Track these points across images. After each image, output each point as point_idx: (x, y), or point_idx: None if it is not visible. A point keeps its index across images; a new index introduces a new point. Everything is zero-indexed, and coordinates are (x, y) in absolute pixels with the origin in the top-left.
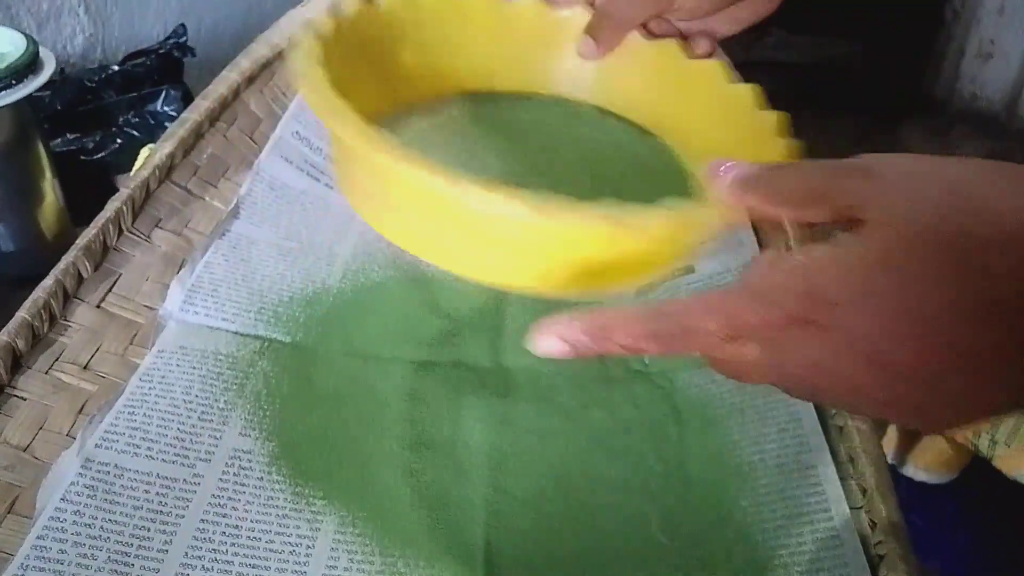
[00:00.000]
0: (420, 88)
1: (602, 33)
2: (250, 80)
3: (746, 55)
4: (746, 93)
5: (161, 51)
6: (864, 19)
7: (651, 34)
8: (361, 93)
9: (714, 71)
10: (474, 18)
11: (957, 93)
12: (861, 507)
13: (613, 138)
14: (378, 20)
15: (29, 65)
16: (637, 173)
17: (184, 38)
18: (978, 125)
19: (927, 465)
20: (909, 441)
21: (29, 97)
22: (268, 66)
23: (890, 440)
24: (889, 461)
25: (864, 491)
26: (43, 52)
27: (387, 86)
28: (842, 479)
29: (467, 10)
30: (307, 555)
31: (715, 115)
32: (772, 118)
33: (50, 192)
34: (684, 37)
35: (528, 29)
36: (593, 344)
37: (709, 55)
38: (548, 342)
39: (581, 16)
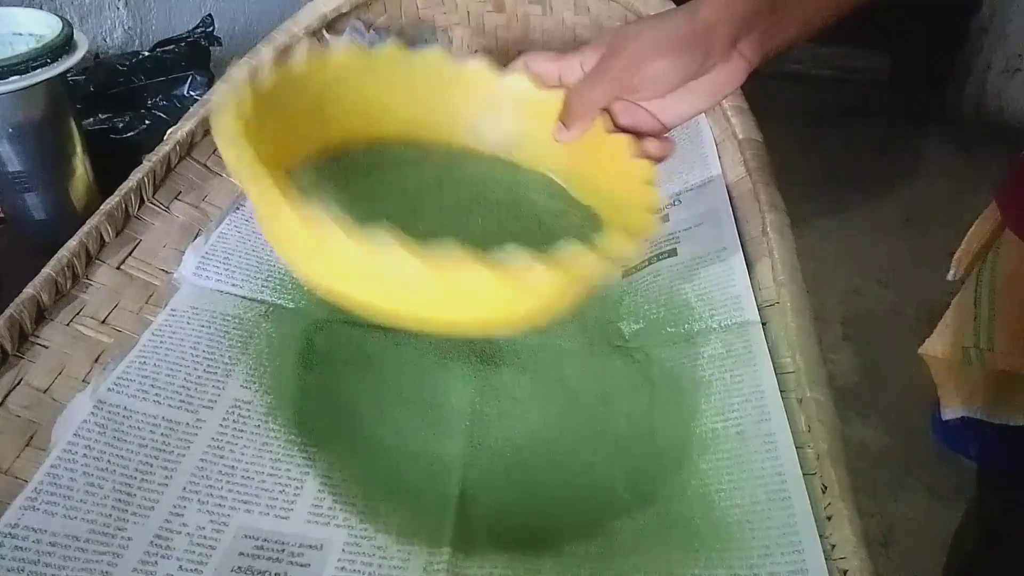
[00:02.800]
0: (334, 138)
1: (571, 119)
2: None
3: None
4: (623, 143)
5: (190, 39)
6: (890, 31)
7: (616, 126)
8: (275, 145)
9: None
10: (379, 72)
11: (982, 107)
12: (815, 472)
13: (520, 189)
14: (292, 81)
15: (63, 45)
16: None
17: (212, 28)
18: (1003, 139)
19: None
20: (1001, 390)
21: (63, 77)
22: (286, 54)
23: (964, 391)
24: (978, 416)
25: (817, 457)
26: (77, 35)
27: (297, 138)
28: (798, 447)
29: (373, 66)
30: (295, 495)
31: (604, 163)
32: (645, 166)
33: (80, 167)
34: (641, 133)
35: (435, 83)
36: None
37: (663, 157)
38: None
39: (478, 70)
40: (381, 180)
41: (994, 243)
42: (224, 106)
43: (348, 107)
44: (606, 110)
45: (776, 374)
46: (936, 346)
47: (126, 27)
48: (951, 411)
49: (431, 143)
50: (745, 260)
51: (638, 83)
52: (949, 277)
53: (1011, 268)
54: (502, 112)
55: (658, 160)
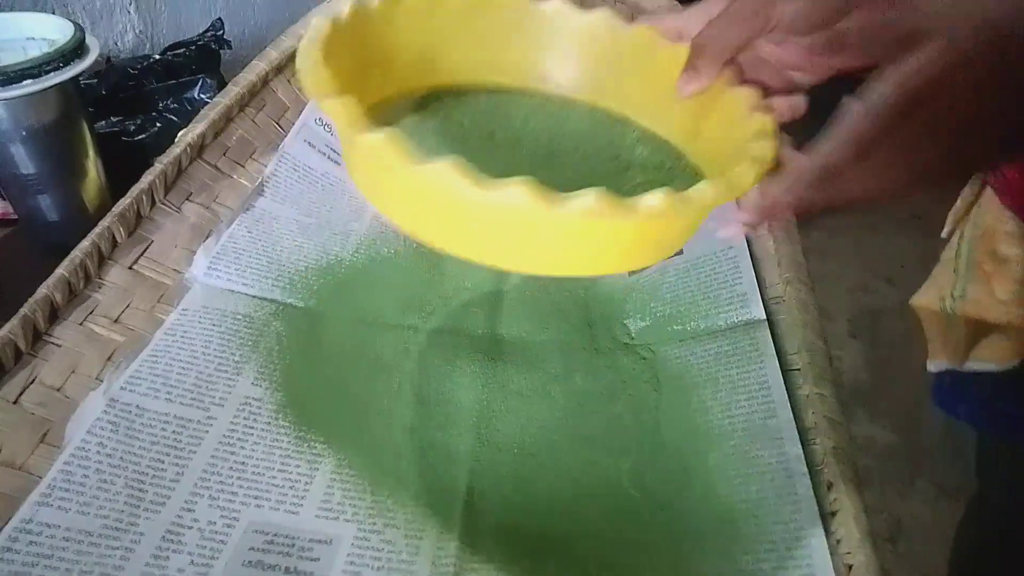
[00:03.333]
0: (415, 82)
1: (701, 64)
2: (278, 70)
3: None
4: (746, 95)
5: (200, 43)
6: None
7: (742, 77)
8: (359, 87)
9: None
10: (466, 12)
11: None
12: (821, 469)
13: (606, 133)
14: (373, 19)
15: (75, 50)
16: (627, 165)
17: (221, 31)
18: None
19: (992, 356)
20: (973, 340)
21: (75, 81)
22: (295, 57)
23: (949, 344)
24: (952, 366)
25: (823, 453)
26: (89, 39)
27: (384, 80)
28: (804, 443)
29: (457, 6)
30: (305, 490)
31: (711, 113)
32: (763, 119)
33: (92, 169)
34: (772, 89)
35: (524, 25)
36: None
37: (792, 120)
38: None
39: (569, 11)
40: (472, 122)
41: (977, 199)
42: (309, 46)
43: (424, 49)
44: (732, 63)
45: (782, 371)
46: (923, 298)
47: (136, 31)
48: (936, 363)
49: (518, 88)
50: (751, 258)
51: (776, 19)
52: (943, 235)
53: (988, 221)
54: (607, 58)
55: (788, 121)
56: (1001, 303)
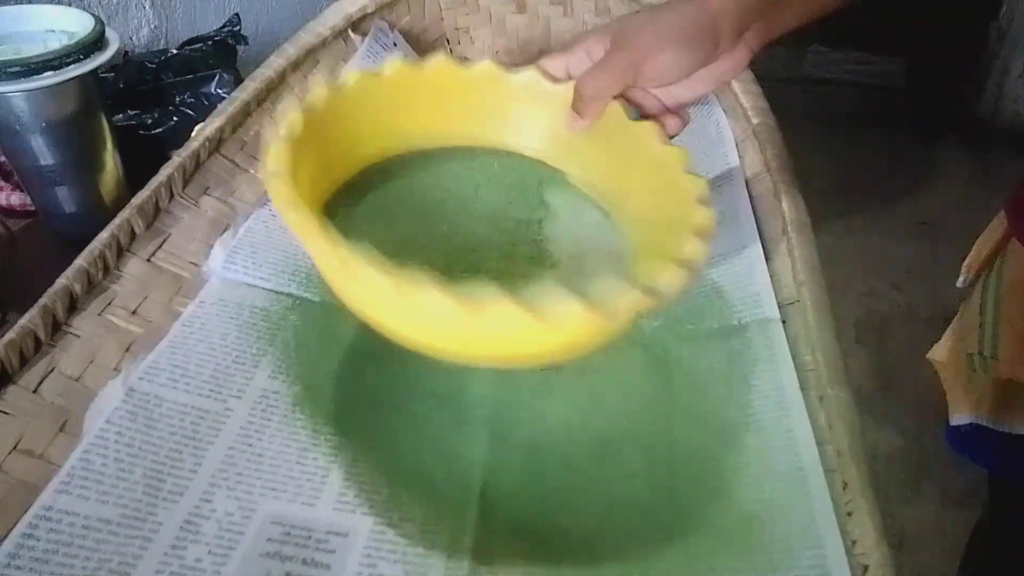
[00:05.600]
0: (384, 149)
1: (580, 108)
2: (295, 66)
3: (786, 72)
4: (675, 155)
5: (217, 38)
6: (906, 37)
7: (633, 106)
8: (327, 162)
9: (648, 132)
10: (428, 84)
11: (999, 113)
12: (835, 469)
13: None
14: (345, 100)
15: (95, 42)
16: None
17: (238, 27)
18: (1019, 145)
19: None
20: (1005, 398)
21: (95, 73)
22: (312, 53)
23: (971, 398)
24: (984, 423)
25: (838, 453)
26: (109, 32)
27: (351, 152)
28: (818, 444)
29: (422, 79)
30: (321, 483)
31: (645, 177)
32: (697, 184)
33: (110, 161)
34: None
35: (480, 91)
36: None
37: (678, 132)
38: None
39: (527, 78)
40: (403, 188)
41: (1002, 252)
42: (274, 143)
43: (363, 130)
44: (620, 97)
45: (796, 371)
46: (943, 352)
47: (152, 26)
48: (959, 417)
49: (453, 148)
50: (765, 258)
51: (648, 73)
52: (959, 284)
53: (1016, 277)
54: (519, 110)
55: (673, 135)
56: None
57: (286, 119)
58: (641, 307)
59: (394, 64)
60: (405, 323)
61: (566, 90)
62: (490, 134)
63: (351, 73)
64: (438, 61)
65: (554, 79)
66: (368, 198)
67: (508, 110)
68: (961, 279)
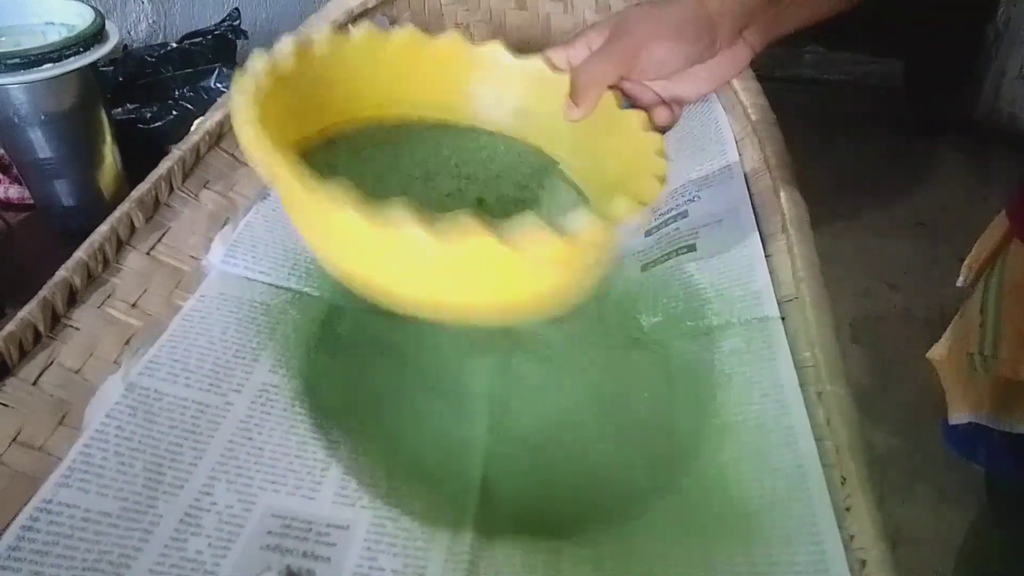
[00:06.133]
0: (348, 116)
1: (577, 95)
2: None
3: (784, 72)
4: (634, 117)
5: (216, 32)
6: (903, 38)
7: (627, 97)
8: (292, 124)
9: (631, 119)
10: (395, 54)
11: (996, 114)
12: (834, 465)
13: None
14: (312, 60)
15: (95, 35)
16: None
17: (238, 21)
18: (1016, 145)
19: None
20: (1005, 397)
21: (94, 66)
22: (304, 39)
23: (970, 397)
24: (983, 422)
25: (836, 449)
26: (109, 25)
27: (317, 117)
28: (817, 440)
29: (388, 47)
30: (322, 476)
31: (606, 138)
32: (655, 138)
33: (109, 155)
34: (653, 100)
35: (446, 63)
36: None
37: (668, 125)
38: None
39: (491, 51)
40: (383, 159)
41: (1003, 251)
42: (242, 89)
43: (360, 88)
44: (615, 88)
45: (795, 368)
46: (943, 351)
47: (150, 21)
48: (958, 416)
49: (441, 122)
50: (764, 255)
51: (644, 63)
52: (959, 283)
53: (1017, 276)
54: (512, 91)
55: (666, 128)
56: None
57: (253, 67)
58: (601, 233)
59: (363, 29)
60: (378, 265)
61: (534, 64)
62: (459, 107)
63: (320, 31)
64: (407, 31)
65: (553, 67)
66: (339, 157)
67: (476, 83)
68: (962, 278)
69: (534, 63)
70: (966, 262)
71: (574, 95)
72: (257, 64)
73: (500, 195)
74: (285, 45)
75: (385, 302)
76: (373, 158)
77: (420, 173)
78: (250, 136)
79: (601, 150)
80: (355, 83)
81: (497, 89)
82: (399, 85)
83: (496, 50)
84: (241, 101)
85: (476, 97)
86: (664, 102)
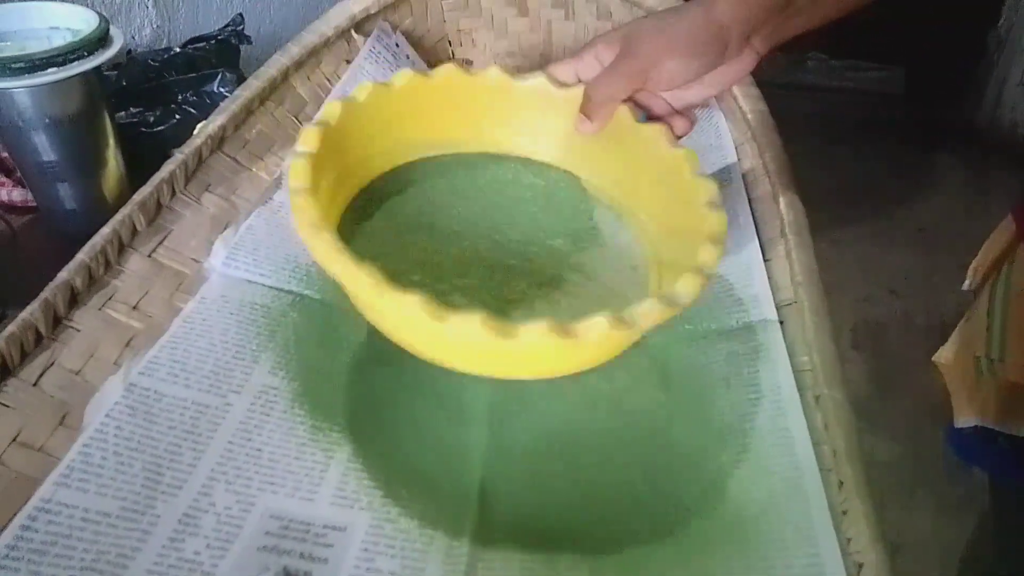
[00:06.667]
0: (396, 158)
1: (590, 111)
2: (298, 65)
3: (785, 79)
4: (684, 157)
5: (220, 37)
6: (905, 45)
7: (640, 108)
8: (347, 171)
9: (656, 135)
10: (442, 92)
11: (997, 122)
12: (831, 469)
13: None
14: (360, 112)
15: (99, 40)
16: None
17: (242, 26)
18: (1018, 154)
19: None
20: (1011, 401)
21: (98, 71)
22: (315, 53)
23: (976, 401)
24: (989, 426)
25: (834, 453)
26: (113, 30)
27: (366, 163)
28: (815, 444)
29: (436, 87)
30: (320, 478)
31: (655, 181)
32: (708, 188)
33: (112, 159)
34: (668, 112)
35: (492, 99)
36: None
37: (686, 133)
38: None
39: (536, 85)
40: (419, 198)
41: (1010, 255)
42: (297, 174)
43: (376, 141)
44: (628, 100)
45: (793, 372)
46: (949, 355)
47: (155, 26)
48: (964, 420)
49: (463, 155)
50: (763, 260)
51: (656, 79)
52: (964, 287)
53: None
54: (528, 115)
55: (680, 136)
56: None
57: (303, 135)
58: (663, 318)
59: (404, 74)
60: (438, 346)
61: (575, 94)
62: (500, 140)
63: (362, 86)
64: (447, 69)
65: (563, 84)
66: (384, 207)
67: (517, 116)
68: (968, 282)
69: (541, 83)
70: (972, 265)
71: (588, 110)
72: (307, 142)
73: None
74: (332, 109)
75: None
76: (420, 201)
77: (462, 202)
78: (317, 244)
79: (632, 171)
80: (396, 127)
81: (509, 115)
82: (444, 123)
83: (541, 84)
84: (300, 201)
85: (488, 126)
86: (677, 111)
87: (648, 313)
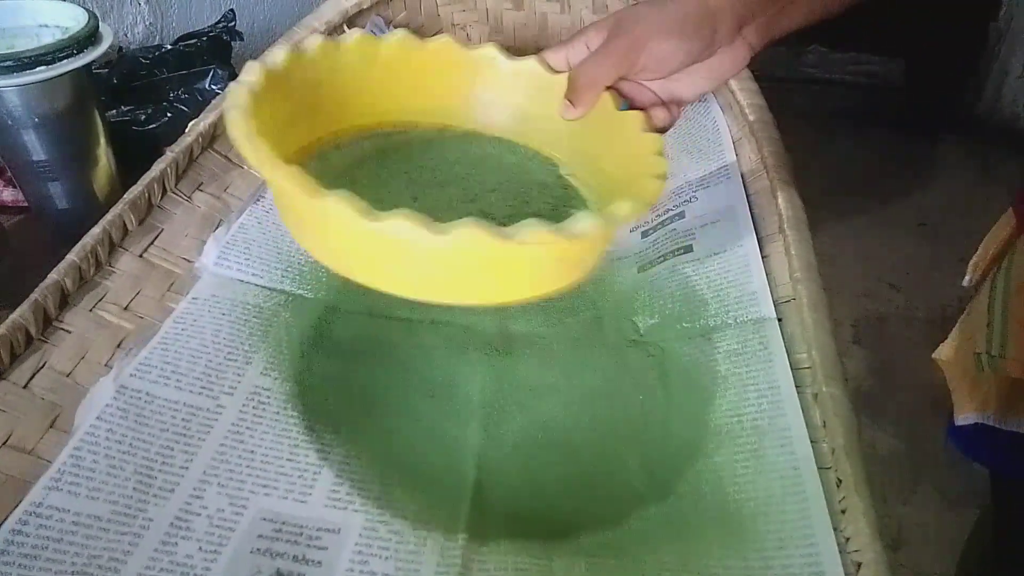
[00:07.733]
0: (344, 125)
1: (575, 96)
2: None
3: (786, 72)
4: (633, 118)
5: (212, 34)
6: (906, 37)
7: (624, 98)
8: (289, 133)
9: (630, 120)
10: (390, 59)
11: (998, 113)
12: (830, 467)
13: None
14: (305, 67)
15: (89, 37)
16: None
17: (233, 23)
18: (1018, 146)
19: None
20: (1012, 397)
21: (88, 68)
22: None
23: (977, 397)
24: (990, 423)
25: (833, 451)
26: (103, 27)
27: (314, 125)
28: (813, 441)
29: (382, 53)
30: (314, 480)
31: (606, 141)
32: (654, 139)
33: (103, 157)
34: (651, 101)
35: (442, 68)
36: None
37: (667, 126)
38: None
39: (486, 55)
40: (386, 164)
41: (1010, 249)
42: (235, 102)
43: (353, 94)
44: (613, 88)
45: (792, 369)
46: (949, 351)
47: (147, 23)
48: (964, 417)
49: (439, 127)
50: (761, 256)
51: (643, 63)
52: (964, 283)
53: None
54: (510, 94)
55: (664, 129)
56: None
57: (246, 77)
58: (595, 231)
59: (355, 34)
60: (383, 269)
61: (531, 66)
62: (457, 112)
63: (313, 39)
64: (400, 36)
65: (551, 69)
66: (338, 165)
67: (472, 87)
68: (968, 278)
69: (530, 65)
70: (972, 261)
71: (572, 95)
72: (250, 74)
73: (502, 200)
74: (277, 53)
75: (384, 291)
76: (372, 166)
77: (425, 180)
78: (248, 150)
79: (600, 152)
80: (350, 90)
81: (494, 92)
82: (394, 91)
83: (491, 53)
84: (236, 115)
85: (473, 101)
86: (662, 103)
87: (580, 222)
